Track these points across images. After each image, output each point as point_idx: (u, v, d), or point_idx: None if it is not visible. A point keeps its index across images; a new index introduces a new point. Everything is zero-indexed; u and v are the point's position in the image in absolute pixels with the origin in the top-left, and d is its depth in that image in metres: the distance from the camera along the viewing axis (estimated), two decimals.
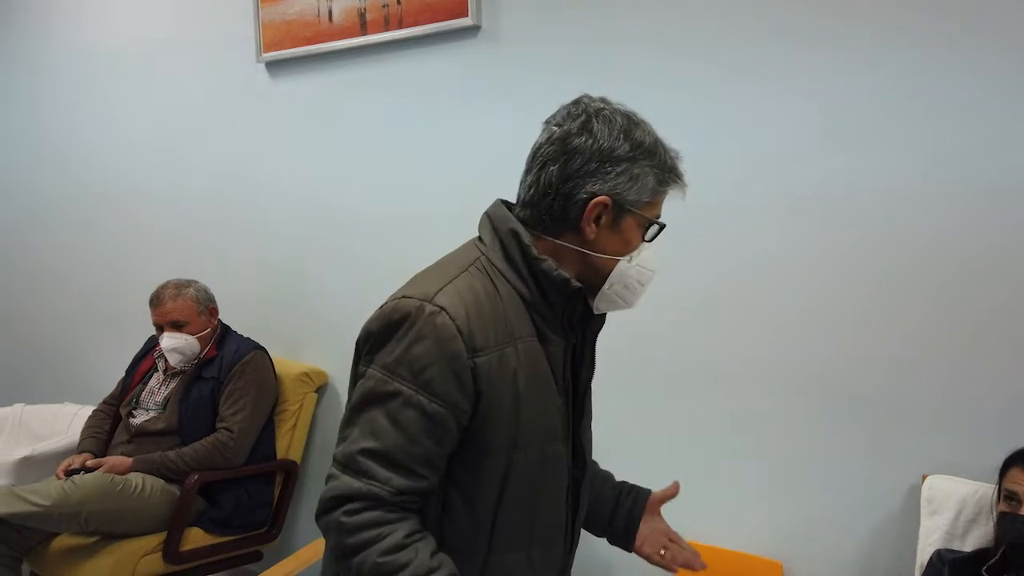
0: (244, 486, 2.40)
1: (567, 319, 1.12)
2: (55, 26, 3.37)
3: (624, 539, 1.35)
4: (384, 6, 2.42)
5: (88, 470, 2.26)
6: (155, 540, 2.23)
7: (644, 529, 1.34)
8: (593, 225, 1.07)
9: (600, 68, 2.11)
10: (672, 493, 1.36)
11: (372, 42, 2.47)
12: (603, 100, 1.10)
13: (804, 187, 1.88)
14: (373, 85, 2.51)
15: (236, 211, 2.88)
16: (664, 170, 1.08)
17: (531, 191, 1.09)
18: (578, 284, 1.07)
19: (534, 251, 1.06)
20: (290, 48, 2.63)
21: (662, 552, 1.32)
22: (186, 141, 3.00)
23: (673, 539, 1.35)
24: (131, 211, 3.21)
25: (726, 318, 2.00)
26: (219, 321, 2.58)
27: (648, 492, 1.37)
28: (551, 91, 1.30)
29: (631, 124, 1.07)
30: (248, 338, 2.56)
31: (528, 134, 1.14)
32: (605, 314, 1.20)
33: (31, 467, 2.52)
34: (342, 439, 1.04)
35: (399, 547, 0.98)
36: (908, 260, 1.78)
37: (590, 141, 1.05)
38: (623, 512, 1.34)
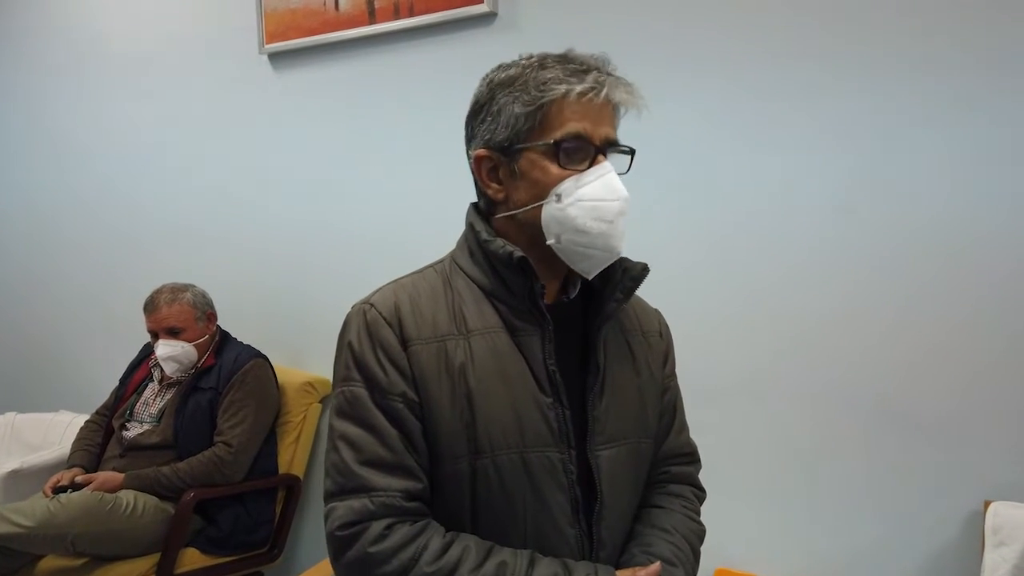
0: (244, 503, 2.26)
1: (532, 301, 0.99)
2: (55, 21, 3.24)
3: None
4: None
5: (77, 487, 2.12)
6: (148, 562, 2.09)
7: None
8: (494, 185, 1.02)
9: (625, 54, 1.95)
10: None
11: (381, 31, 2.32)
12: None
13: (856, 191, 1.73)
14: (383, 77, 2.36)
15: (238, 210, 2.74)
16: (528, 88, 0.96)
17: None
18: (521, 254, 0.97)
19: (484, 234, 1.01)
20: (294, 39, 2.49)
21: None
22: (186, 140, 2.86)
23: None
24: (129, 211, 3.06)
25: (769, 331, 1.84)
26: (218, 327, 2.44)
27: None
28: None
29: (500, 70, 1.01)
30: (248, 345, 2.42)
31: None
32: (610, 305, 1.04)
33: (20, 481, 2.39)
34: (328, 471, 0.97)
35: (445, 547, 0.92)
36: (970, 272, 1.63)
37: (467, 111, 1.04)
38: None
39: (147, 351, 2.47)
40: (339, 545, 0.93)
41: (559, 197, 0.96)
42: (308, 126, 2.54)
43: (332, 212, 2.52)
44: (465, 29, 2.20)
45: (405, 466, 0.95)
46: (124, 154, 3.04)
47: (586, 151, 0.97)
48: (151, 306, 2.32)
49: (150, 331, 2.33)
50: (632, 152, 1.04)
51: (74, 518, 1.94)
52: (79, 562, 2.04)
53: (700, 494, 1.20)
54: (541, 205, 0.97)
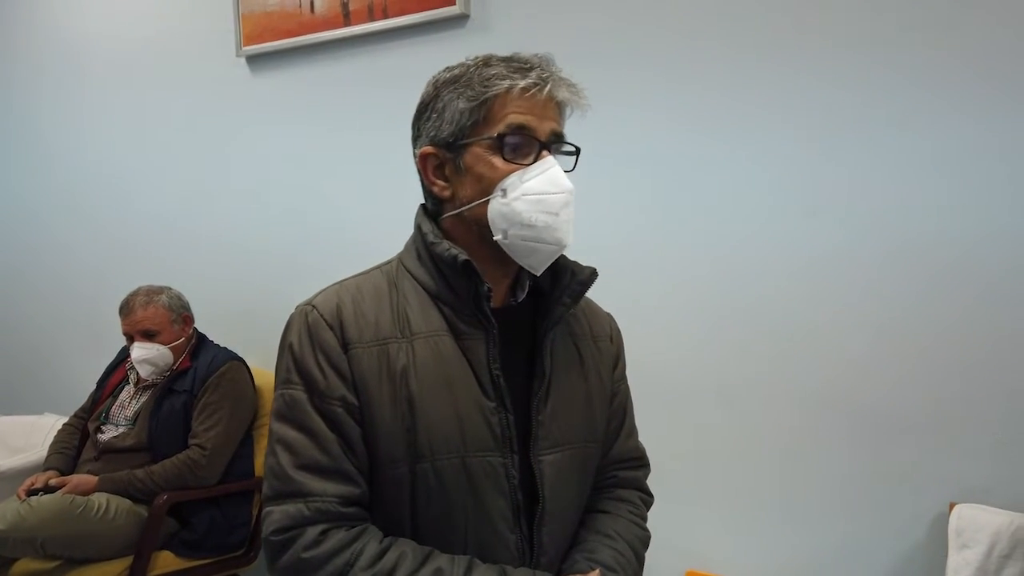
0: (219, 506, 2.25)
1: (476, 305, 0.98)
2: (38, 21, 3.24)
3: None
4: None
5: (51, 489, 2.11)
6: (121, 565, 2.09)
7: None
8: (439, 182, 1.02)
9: (595, 56, 1.96)
10: None
11: (356, 33, 2.32)
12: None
13: (821, 193, 1.72)
14: (358, 79, 2.36)
15: (217, 211, 2.74)
16: (472, 84, 0.97)
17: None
18: (465, 257, 0.97)
19: (431, 236, 1.01)
20: (271, 41, 2.49)
21: None
22: (168, 141, 2.86)
23: None
24: (111, 214, 3.06)
25: (741, 333, 1.83)
26: (194, 330, 2.44)
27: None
28: None
29: (446, 71, 1.01)
30: (225, 348, 2.42)
31: None
32: (558, 309, 1.03)
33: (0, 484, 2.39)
34: (265, 474, 0.97)
35: (381, 553, 0.92)
36: (937, 270, 1.62)
37: (414, 114, 1.05)
38: None
39: (124, 354, 2.47)
40: (274, 550, 0.93)
41: (504, 192, 0.96)
42: (284, 127, 2.54)
43: (309, 213, 2.52)
44: (438, 31, 2.20)
45: (342, 471, 0.94)
46: (107, 155, 3.05)
47: (530, 145, 0.97)
48: (126, 309, 2.32)
49: (125, 334, 2.33)
50: (578, 151, 1.04)
51: (44, 521, 1.94)
52: (52, 565, 2.04)
53: (648, 499, 1.20)
54: (487, 201, 0.97)
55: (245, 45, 2.55)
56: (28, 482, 2.17)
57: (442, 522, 0.96)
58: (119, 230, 3.05)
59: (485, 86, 0.95)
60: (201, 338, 2.45)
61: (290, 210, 2.56)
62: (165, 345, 2.30)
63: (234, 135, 2.67)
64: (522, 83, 0.95)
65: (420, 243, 1.04)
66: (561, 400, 1.04)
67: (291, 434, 0.95)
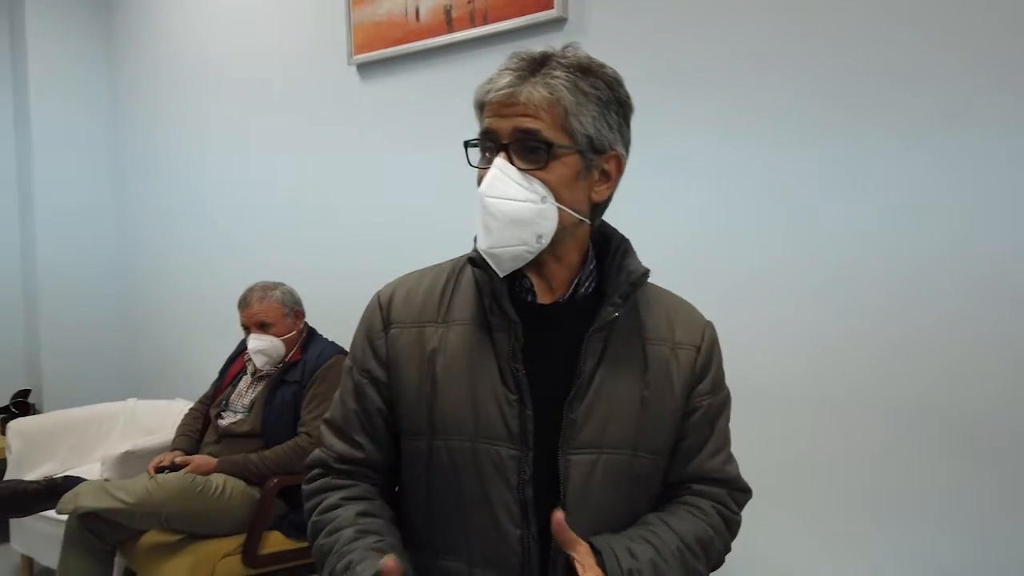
0: None
1: (496, 300, 1.00)
2: (176, 41, 3.52)
3: None
4: (469, 2, 2.34)
5: (175, 468, 2.30)
6: (235, 542, 2.24)
7: None
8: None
9: (689, 56, 1.94)
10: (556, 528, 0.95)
11: (458, 40, 2.39)
12: None
13: (925, 193, 1.63)
14: (460, 83, 2.41)
15: (328, 214, 2.89)
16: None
17: None
18: (471, 253, 1.04)
19: None
20: (379, 49, 2.60)
21: None
22: (284, 148, 3.04)
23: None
24: (230, 216, 3.31)
25: (839, 330, 1.76)
26: (305, 324, 2.59)
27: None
28: (639, 82, 1.14)
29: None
30: (332, 342, 2.55)
31: None
32: (606, 310, 1.00)
33: (132, 461, 2.60)
34: None
35: (334, 506, 1.04)
36: None
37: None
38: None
39: (243, 346, 2.65)
40: (305, 477, 1.12)
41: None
42: (391, 131, 2.64)
43: (413, 214, 2.61)
44: (537, 35, 2.23)
45: (352, 437, 1.08)
46: (230, 161, 3.28)
47: (489, 149, 1.00)
48: (244, 302, 2.50)
49: (243, 325, 2.51)
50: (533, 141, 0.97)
51: (168, 497, 2.12)
52: (175, 538, 2.22)
53: (726, 512, 1.10)
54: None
55: (356, 54, 2.67)
56: (156, 460, 2.37)
57: (450, 500, 1.02)
58: (238, 231, 3.27)
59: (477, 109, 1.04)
60: (311, 332, 2.59)
61: (395, 211, 2.66)
62: (278, 337, 2.46)
63: (345, 140, 2.80)
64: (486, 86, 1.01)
65: None
66: (602, 401, 1.01)
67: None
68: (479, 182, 0.99)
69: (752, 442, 1.43)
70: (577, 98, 0.96)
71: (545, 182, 0.96)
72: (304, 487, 1.10)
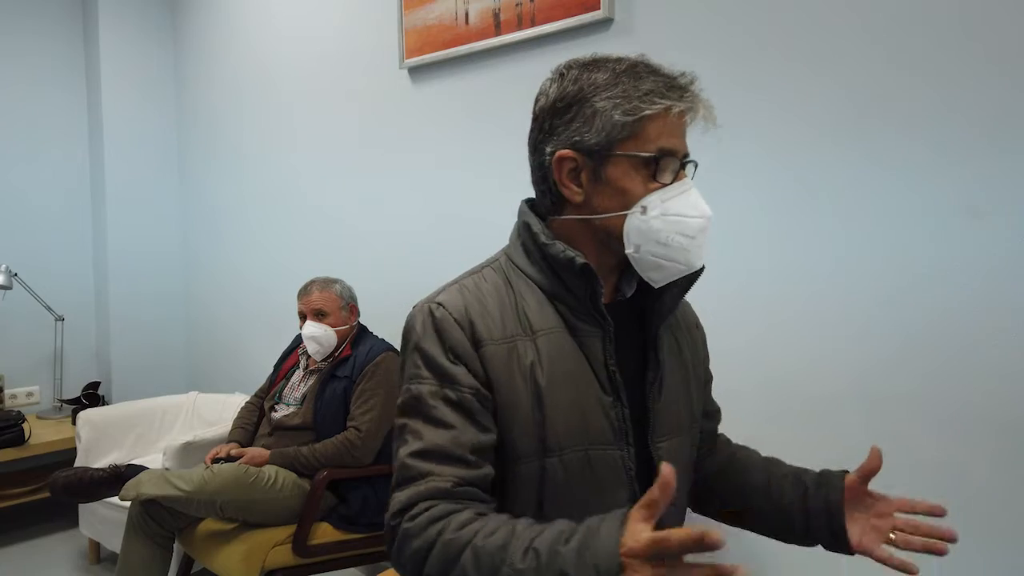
0: (372, 485, 2.43)
1: (593, 304, 1.01)
2: (236, 48, 3.64)
3: (837, 544, 1.10)
4: (517, 4, 2.37)
5: (231, 459, 2.39)
6: (286, 532, 2.31)
7: (855, 525, 1.09)
8: (572, 185, 1.02)
9: (737, 56, 1.92)
10: (872, 467, 1.07)
11: (506, 42, 2.42)
12: (586, 57, 1.03)
13: (987, 192, 1.59)
14: (508, 85, 2.46)
15: (381, 215, 2.95)
16: (631, 97, 0.96)
17: (532, 178, 1.08)
18: (583, 260, 0.99)
19: (543, 237, 1.03)
20: (430, 53, 2.65)
21: (892, 536, 1.06)
22: (338, 150, 3.12)
23: (901, 523, 1.07)
24: (287, 217, 3.40)
25: (885, 340, 1.73)
26: (358, 322, 2.65)
27: (841, 476, 1.12)
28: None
29: (587, 69, 1.00)
30: (382, 339, 2.61)
31: None
32: (670, 303, 1.06)
33: (192, 452, 2.71)
34: (394, 466, 0.99)
35: (470, 520, 0.89)
36: None
37: (543, 101, 1.04)
38: (818, 516, 1.11)
39: (297, 341, 2.73)
40: (392, 534, 0.94)
41: (644, 209, 0.98)
42: (442, 133, 2.69)
43: (463, 215, 2.65)
44: (583, 36, 2.25)
45: (466, 459, 0.95)
46: (287, 162, 3.37)
47: (674, 166, 0.99)
48: (305, 291, 2.61)
49: (300, 313, 2.61)
50: (695, 164, 1.05)
51: (223, 487, 2.20)
52: (230, 526, 2.31)
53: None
54: (625, 215, 0.99)
55: (407, 58, 2.73)
56: (213, 451, 2.47)
57: (567, 515, 0.95)
58: (302, 230, 3.36)
59: (643, 102, 0.96)
60: (362, 329, 2.66)
61: (446, 212, 2.71)
62: (332, 327, 2.54)
63: (397, 141, 2.86)
64: (680, 107, 0.97)
65: (529, 241, 1.06)
66: (670, 389, 1.10)
67: (418, 426, 0.97)
68: (630, 202, 0.99)
69: (803, 446, 1.43)
70: None
71: None
72: (408, 525, 0.91)
